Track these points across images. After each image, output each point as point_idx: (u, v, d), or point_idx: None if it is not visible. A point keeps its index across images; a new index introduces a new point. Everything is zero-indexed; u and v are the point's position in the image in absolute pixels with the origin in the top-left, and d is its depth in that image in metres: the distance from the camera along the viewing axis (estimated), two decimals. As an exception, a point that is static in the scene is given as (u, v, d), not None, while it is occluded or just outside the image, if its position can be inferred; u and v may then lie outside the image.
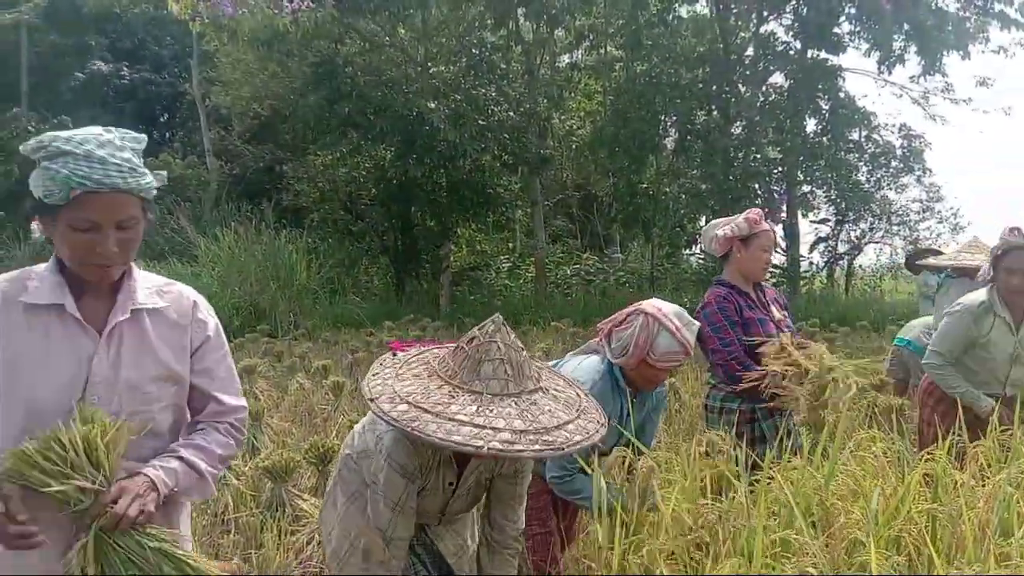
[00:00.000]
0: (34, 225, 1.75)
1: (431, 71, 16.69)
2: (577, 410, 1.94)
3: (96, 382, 1.64)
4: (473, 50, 16.32)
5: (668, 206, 18.95)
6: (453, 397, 1.82)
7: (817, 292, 17.81)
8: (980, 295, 3.56)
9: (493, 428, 1.73)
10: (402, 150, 16.07)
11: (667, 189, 18.86)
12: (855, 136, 17.25)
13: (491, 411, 1.78)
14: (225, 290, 14.16)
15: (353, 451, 2.27)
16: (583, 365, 2.70)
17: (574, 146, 21.52)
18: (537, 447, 1.73)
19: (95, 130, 1.63)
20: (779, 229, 17.84)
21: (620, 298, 18.22)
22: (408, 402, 1.79)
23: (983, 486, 2.32)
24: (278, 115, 19.82)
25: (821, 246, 19.14)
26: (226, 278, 14.47)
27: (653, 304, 2.63)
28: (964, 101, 16.89)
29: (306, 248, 15.57)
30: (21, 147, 1.63)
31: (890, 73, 16.68)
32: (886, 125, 17.69)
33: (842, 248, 19.21)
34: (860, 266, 19.93)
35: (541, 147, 17.29)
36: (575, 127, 22.40)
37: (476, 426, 1.73)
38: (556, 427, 1.80)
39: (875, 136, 17.48)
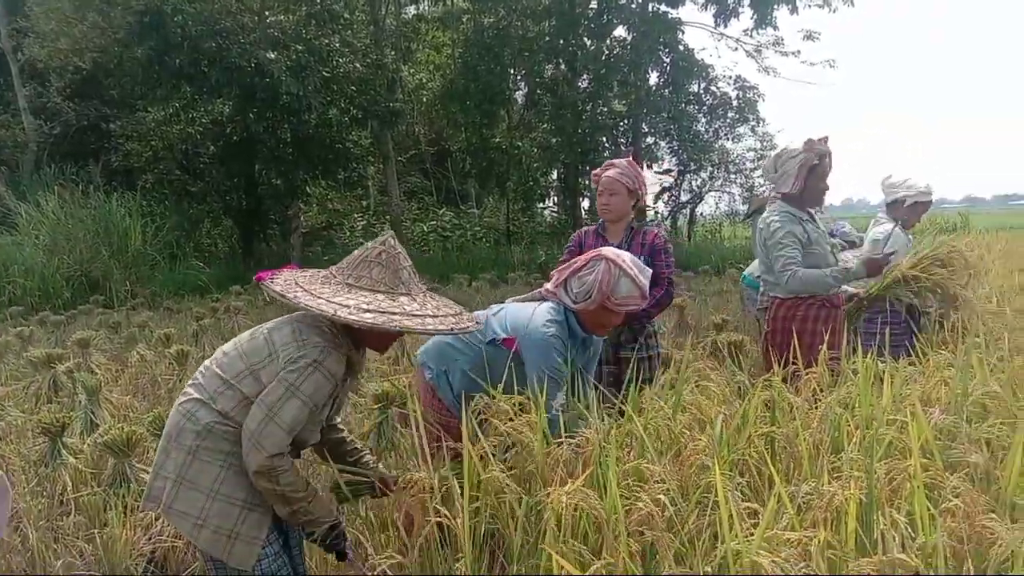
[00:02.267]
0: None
1: (269, 20, 15.84)
2: (453, 307, 2.30)
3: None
4: (313, -2, 15.59)
5: (520, 160, 19.11)
6: (394, 300, 2.12)
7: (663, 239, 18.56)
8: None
9: (443, 315, 2.13)
10: (241, 104, 15.24)
11: (519, 143, 19.00)
12: (694, 88, 17.96)
13: (428, 305, 2.15)
14: (52, 259, 13.14)
15: (224, 408, 2.10)
16: (540, 310, 2.75)
17: (424, 100, 21.18)
18: (470, 326, 2.18)
19: None
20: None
21: (477, 253, 18.34)
22: (370, 310, 2.04)
23: (816, 408, 2.47)
24: (102, 69, 18.22)
25: (665, 196, 19.92)
26: (52, 247, 13.40)
27: (612, 251, 2.73)
28: (793, 54, 17.88)
29: (140, 211, 14.59)
30: None
31: (726, 26, 17.43)
32: (723, 77, 18.51)
33: (684, 197, 20.07)
34: (701, 214, 20.94)
35: (390, 100, 16.86)
36: (425, 80, 22.03)
37: (431, 315, 2.10)
38: (461, 313, 2.24)
39: (713, 88, 18.26)
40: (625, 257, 2.70)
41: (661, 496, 1.72)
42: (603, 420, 2.19)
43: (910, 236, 4.69)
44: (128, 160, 17.86)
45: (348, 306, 2.04)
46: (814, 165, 3.68)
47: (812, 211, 3.87)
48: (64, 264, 13.09)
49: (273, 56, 14.62)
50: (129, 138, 17.79)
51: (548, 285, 2.89)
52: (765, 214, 3.86)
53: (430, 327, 2.07)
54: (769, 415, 2.35)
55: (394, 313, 2.05)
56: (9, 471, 3.94)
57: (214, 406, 2.09)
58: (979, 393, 2.35)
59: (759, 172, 19.38)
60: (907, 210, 4.60)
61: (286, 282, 2.14)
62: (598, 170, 3.86)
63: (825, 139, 3.73)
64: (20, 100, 19.58)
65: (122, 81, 16.68)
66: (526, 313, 2.76)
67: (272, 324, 2.18)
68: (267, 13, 15.98)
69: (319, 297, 2.08)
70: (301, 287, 2.12)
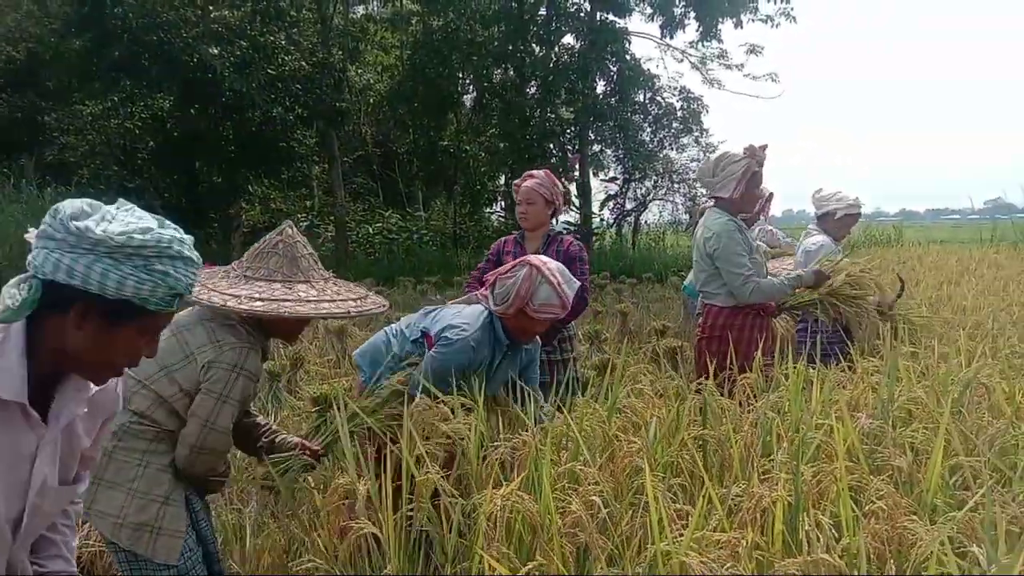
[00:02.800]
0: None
1: (213, 15, 15.53)
2: (366, 290, 2.37)
3: (37, 484, 1.41)
4: (258, -7, 15.34)
5: (468, 164, 19.11)
6: (290, 289, 2.16)
7: (607, 246, 18.75)
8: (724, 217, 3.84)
9: (341, 299, 2.18)
10: (182, 100, 14.92)
11: (467, 147, 18.99)
12: (640, 98, 18.19)
13: (326, 291, 2.19)
14: (-21, 254, 12.64)
15: (139, 408, 2.10)
16: (465, 311, 2.76)
17: (372, 100, 21.01)
18: (373, 308, 2.23)
19: (173, 227, 1.45)
20: (572, 187, 18.55)
21: (424, 256, 18.24)
22: (261, 299, 2.08)
23: (748, 413, 2.52)
24: (37, 59, 17.64)
25: (611, 203, 20.13)
26: (-20, 241, 12.89)
27: (539, 258, 2.73)
28: (737, 67, 18.26)
29: (75, 207, 14.09)
30: (117, 237, 1.33)
31: (671, 37, 17.73)
32: (668, 88, 18.80)
33: (629, 205, 20.31)
34: (645, 222, 21.21)
35: (336, 100, 16.68)
36: (373, 81, 21.86)
37: (329, 300, 2.16)
38: (366, 296, 2.28)
39: (658, 98, 18.53)
40: (552, 265, 2.70)
41: (595, 498, 1.73)
42: (536, 423, 2.19)
43: (839, 248, 4.81)
44: (63, 154, 17.30)
45: (239, 296, 2.08)
46: (755, 172, 3.73)
47: (745, 218, 3.94)
48: (-8, 260, 12.60)
49: (216, 52, 14.34)
50: (65, 131, 17.25)
51: (481, 290, 2.91)
52: (705, 220, 3.89)
53: (324, 311, 2.13)
54: (702, 419, 2.38)
55: (286, 300, 2.10)
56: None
57: (128, 407, 2.06)
58: (904, 399, 2.42)
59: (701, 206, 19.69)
60: (837, 222, 4.71)
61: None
62: (518, 180, 3.98)
63: (764, 147, 3.78)
64: (-53, 89, 18.81)
65: (58, 73, 16.16)
66: (450, 314, 2.78)
67: (183, 323, 2.16)
68: (211, 8, 15.67)
69: (212, 290, 2.10)
70: (199, 282, 2.08)
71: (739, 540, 1.63)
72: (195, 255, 1.46)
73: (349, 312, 2.14)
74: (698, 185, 20.00)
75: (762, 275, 3.75)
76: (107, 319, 1.37)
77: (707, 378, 2.68)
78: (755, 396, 2.77)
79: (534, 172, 3.96)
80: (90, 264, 1.32)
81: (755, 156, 3.72)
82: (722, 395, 2.73)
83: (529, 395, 2.46)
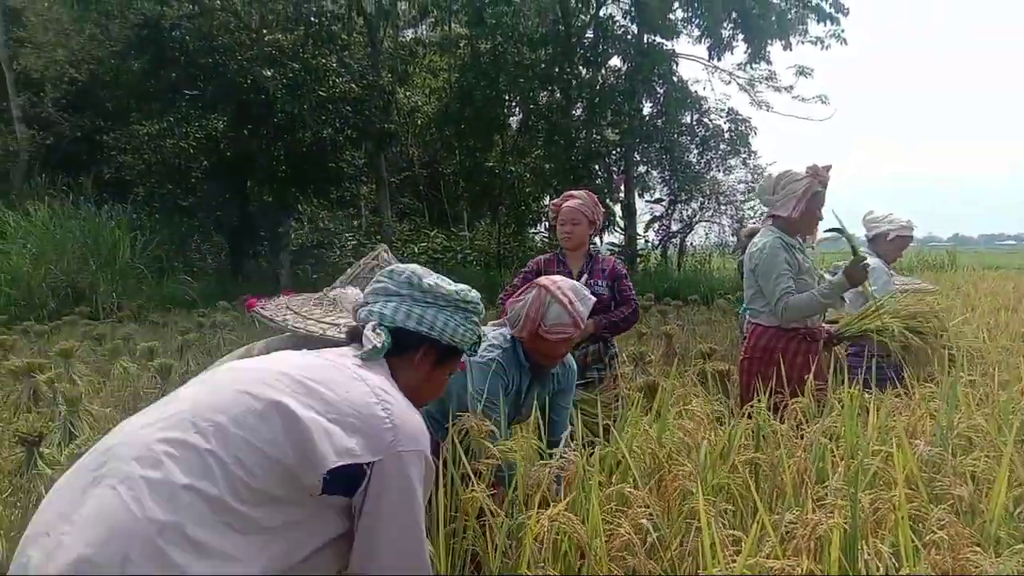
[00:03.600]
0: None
1: (266, 38, 15.91)
2: None
3: None
4: (312, 18, 15.66)
5: (513, 184, 19.18)
6: None
7: (652, 268, 18.62)
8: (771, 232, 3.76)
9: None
10: (236, 121, 15.26)
11: (512, 168, 19.07)
12: (687, 119, 18.10)
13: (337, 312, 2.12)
14: (39, 269, 13.06)
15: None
16: (493, 333, 2.74)
17: (419, 122, 21.27)
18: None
19: None
20: (617, 209, 18.50)
21: (468, 275, 18.31)
22: None
23: (801, 438, 2.46)
24: (97, 81, 18.24)
25: (656, 225, 20.00)
26: (39, 256, 13.32)
27: (550, 279, 2.71)
28: (786, 89, 18.07)
29: (130, 224, 14.53)
30: (459, 293, 1.77)
31: (719, 60, 17.62)
32: (716, 109, 18.67)
33: (675, 227, 20.15)
34: (691, 244, 21.02)
35: (385, 121, 16.92)
36: (420, 103, 22.12)
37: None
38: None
39: (705, 120, 18.41)
40: (562, 284, 2.67)
41: (644, 521, 1.70)
42: (583, 445, 2.16)
43: (891, 271, 4.70)
44: (120, 173, 17.80)
45: (339, 324, 2.02)
46: (817, 192, 3.66)
47: (802, 240, 3.86)
48: (51, 274, 13.00)
49: (270, 74, 14.67)
50: (122, 151, 17.75)
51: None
52: (756, 239, 3.84)
53: (330, 332, 2.07)
54: (753, 442, 2.34)
55: None
56: (-16, 481, 3.88)
57: None
58: (964, 426, 2.34)
59: (749, 204, 19.48)
60: (889, 244, 4.60)
61: (276, 307, 2.15)
62: (557, 200, 4.08)
63: (828, 167, 3.71)
64: (13, 109, 19.53)
65: (117, 93, 16.67)
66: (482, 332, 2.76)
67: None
68: (265, 31, 16.07)
69: (308, 318, 2.07)
70: (291, 310, 2.11)
71: (794, 568, 1.59)
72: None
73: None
74: (746, 206, 19.81)
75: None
76: (435, 361, 1.74)
77: (753, 401, 2.63)
78: (807, 421, 2.71)
79: (574, 192, 4.05)
80: (435, 314, 1.71)
81: (818, 176, 3.65)
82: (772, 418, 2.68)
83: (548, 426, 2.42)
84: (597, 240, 19.03)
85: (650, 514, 1.75)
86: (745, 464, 2.21)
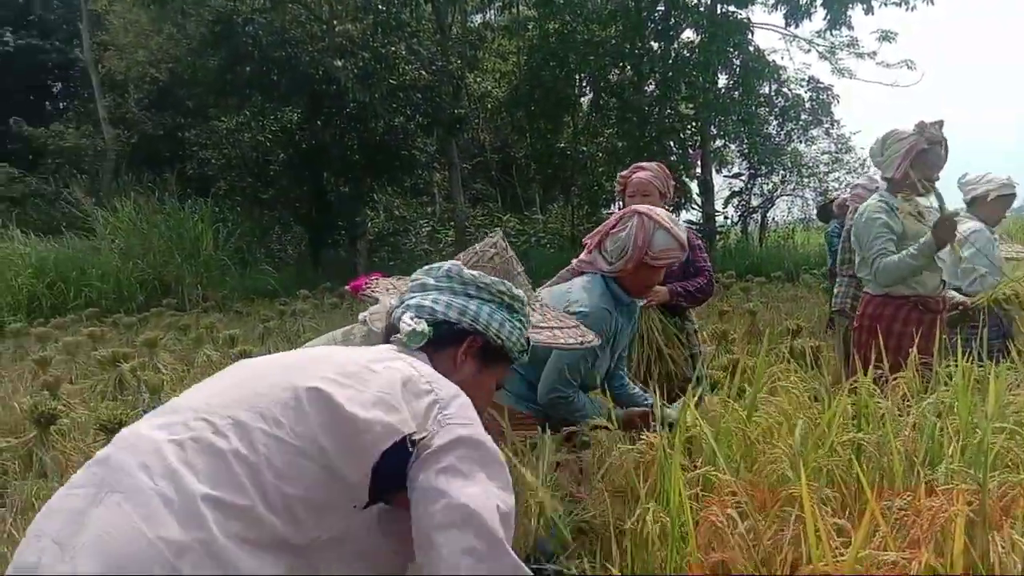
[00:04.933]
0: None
1: (337, 29, 16.03)
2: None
3: None
4: (380, 6, 15.68)
5: (585, 165, 18.88)
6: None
7: (732, 245, 18.06)
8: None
9: (568, 327, 1.97)
10: (309, 112, 15.46)
11: (584, 148, 18.77)
12: (765, 90, 17.44)
13: (549, 316, 2.00)
14: (127, 263, 13.54)
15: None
16: (576, 284, 2.61)
17: (489, 107, 21.17)
18: (590, 339, 1.98)
19: None
20: (694, 185, 17.99)
21: (541, 258, 18.16)
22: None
23: (907, 415, 2.23)
24: (177, 79, 18.79)
25: (735, 200, 19.36)
26: (127, 251, 13.83)
27: (644, 206, 2.63)
28: (870, 55, 17.16)
29: (212, 217, 14.92)
30: (501, 285, 1.59)
31: (797, 27, 16.90)
32: (795, 79, 17.94)
33: (755, 202, 19.47)
34: (773, 218, 20.29)
35: (455, 107, 16.86)
36: (491, 88, 22.01)
37: (557, 327, 1.95)
38: (576, 326, 2.04)
39: (784, 90, 17.71)
40: (658, 210, 2.58)
41: (730, 511, 1.52)
42: (663, 424, 1.99)
43: (994, 232, 4.33)
44: (202, 168, 18.31)
45: None
46: (923, 150, 3.38)
47: (922, 205, 3.55)
48: (138, 268, 13.48)
49: (340, 64, 14.77)
50: (203, 146, 18.25)
51: (581, 256, 2.73)
52: (864, 204, 3.61)
53: (560, 341, 1.94)
54: (855, 422, 2.12)
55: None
56: (68, 467, 3.96)
57: None
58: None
59: (833, 175, 18.70)
60: (989, 206, 4.24)
61: (387, 290, 2.04)
62: (625, 172, 3.91)
63: (939, 124, 3.41)
64: (100, 111, 20.33)
65: (196, 91, 17.10)
66: (561, 290, 2.62)
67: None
68: (335, 22, 16.18)
69: None
70: (399, 290, 2.01)
71: (910, 562, 1.39)
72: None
73: (582, 343, 1.96)
74: (830, 178, 19.01)
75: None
76: (482, 359, 1.56)
77: (859, 375, 2.40)
78: (911, 396, 2.47)
79: (644, 164, 3.88)
80: (479, 306, 1.54)
81: (924, 132, 3.37)
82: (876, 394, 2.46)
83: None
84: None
85: (739, 501, 1.57)
86: (847, 445, 2.00)
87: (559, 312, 2.08)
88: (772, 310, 9.19)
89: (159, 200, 14.88)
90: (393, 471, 1.23)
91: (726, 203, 19.33)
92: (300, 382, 1.23)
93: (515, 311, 1.59)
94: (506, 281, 1.59)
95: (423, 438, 1.25)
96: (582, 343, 1.96)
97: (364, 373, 1.29)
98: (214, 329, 9.08)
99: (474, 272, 1.57)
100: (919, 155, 3.36)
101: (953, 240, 3.38)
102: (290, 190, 18.22)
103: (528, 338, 1.63)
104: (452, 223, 19.55)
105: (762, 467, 1.76)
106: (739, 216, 19.59)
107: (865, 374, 2.95)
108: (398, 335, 1.49)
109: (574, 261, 2.77)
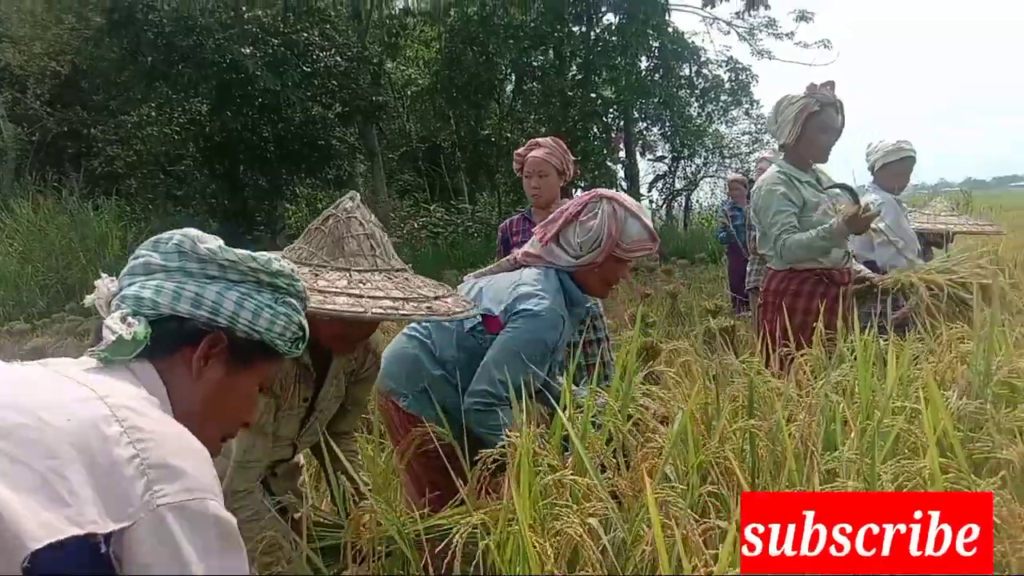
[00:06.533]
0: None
1: (247, 16, 15.41)
2: (447, 289, 1.81)
3: None
4: (289, -10, 15.15)
5: (510, 151, 18.66)
6: (316, 275, 1.63)
7: (658, 228, 18.10)
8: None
9: (371, 296, 1.59)
10: (218, 102, 14.82)
11: (508, 134, 18.56)
12: (686, 72, 17.51)
13: (364, 284, 1.63)
14: (26, 267, 12.77)
15: None
16: (526, 277, 2.22)
17: (410, 94, 20.78)
18: (423, 312, 1.61)
19: None
20: (619, 169, 17.96)
21: (469, 248, 17.92)
22: None
23: (805, 396, 2.05)
24: (79, 72, 17.82)
25: (659, 183, 19.46)
26: (26, 255, 13.04)
27: (608, 191, 2.31)
28: (787, 35, 17.39)
29: (123, 216, 14.18)
30: (256, 261, 1.18)
31: (713, 7, 16.99)
32: (715, 61, 18.06)
33: (679, 184, 19.60)
34: (697, 201, 20.47)
35: (374, 94, 16.42)
36: (414, 75, 21.58)
37: (351, 295, 1.57)
38: (436, 297, 1.69)
39: (705, 71, 17.81)
40: (625, 196, 2.30)
41: (591, 520, 1.29)
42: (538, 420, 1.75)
43: (900, 202, 4.22)
44: (110, 165, 17.43)
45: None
46: (814, 112, 3.22)
47: (822, 176, 3.41)
48: (38, 272, 12.72)
49: (248, 51, 14.18)
50: (110, 143, 17.36)
51: (526, 248, 2.37)
52: (762, 176, 3.45)
53: (338, 306, 1.55)
54: (747, 407, 1.92)
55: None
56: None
57: None
58: (1006, 371, 1.91)
59: (755, 156, 18.91)
60: (886, 174, 4.13)
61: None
62: (521, 150, 3.63)
63: (830, 84, 3.26)
64: (-2, 107, 19.16)
65: (95, 83, 16.27)
66: (507, 284, 2.24)
67: None
68: (244, 8, 15.55)
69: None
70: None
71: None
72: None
73: (379, 312, 1.56)
74: (751, 159, 19.22)
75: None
76: (233, 360, 1.17)
77: (752, 354, 2.22)
78: (816, 375, 2.30)
79: (540, 140, 3.60)
80: (221, 291, 1.15)
81: (814, 95, 3.22)
82: (777, 375, 2.28)
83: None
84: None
85: (606, 509, 1.34)
86: (740, 434, 1.80)
87: (405, 282, 1.72)
88: (694, 291, 9.13)
89: (60, 200, 14.10)
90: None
91: (650, 187, 19.42)
92: None
93: (280, 291, 1.21)
94: (267, 255, 1.22)
95: (119, 531, 0.89)
96: (465, 310, 1.69)
97: (28, 430, 0.90)
98: (114, 332, 8.54)
99: (212, 245, 1.16)
100: (811, 117, 3.21)
101: (867, 229, 3.26)
102: (205, 185, 17.51)
103: (303, 324, 1.24)
104: (375, 214, 19.13)
105: (636, 466, 1.53)
106: (664, 199, 19.69)
107: (773, 351, 2.79)
108: (97, 347, 1.08)
109: (517, 253, 2.40)
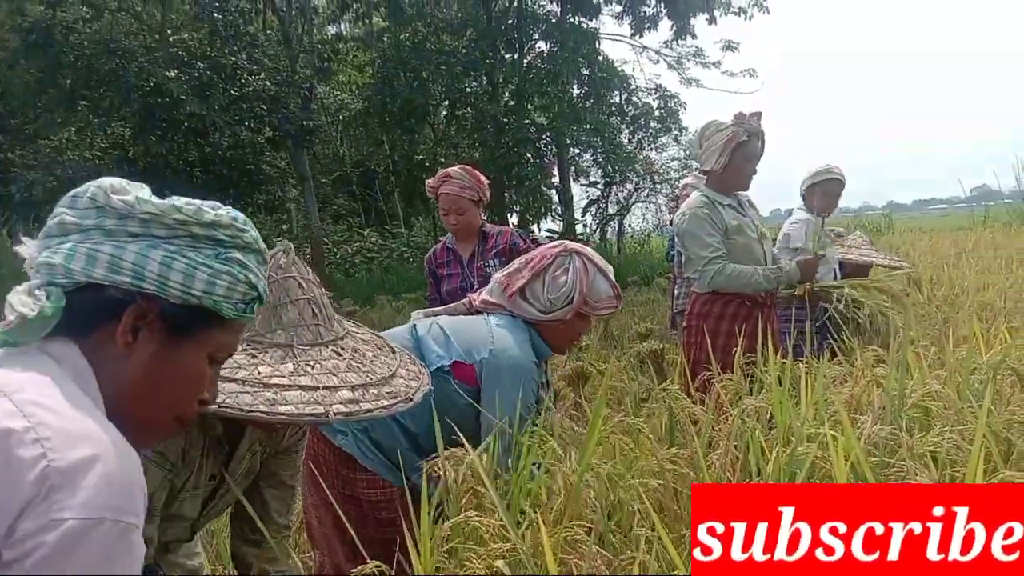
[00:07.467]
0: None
1: (171, 39, 15.08)
2: (391, 351, 1.62)
3: None
4: (215, 14, 14.85)
5: (444, 176, 18.64)
6: (254, 356, 1.38)
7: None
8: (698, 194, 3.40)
9: (327, 388, 1.35)
10: (141, 126, 14.42)
11: (442, 159, 18.53)
12: (616, 99, 17.79)
13: (312, 366, 1.39)
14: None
15: None
16: (503, 328, 2.10)
17: (342, 118, 20.63)
18: (385, 402, 1.40)
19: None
20: (553, 194, 18.09)
21: (404, 273, 17.76)
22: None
23: (725, 423, 2.02)
24: (-3, 96, 17.17)
25: (593, 208, 19.66)
26: (-63, 288, 12.38)
27: (573, 244, 2.23)
28: (714, 64, 17.87)
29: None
30: (184, 210, 1.02)
31: (641, 36, 17.36)
32: (644, 88, 18.40)
33: (612, 209, 19.80)
34: (630, 225, 20.70)
35: (304, 118, 16.23)
36: (347, 100, 21.44)
37: (303, 388, 1.33)
38: (390, 375, 1.48)
39: (634, 99, 18.12)
40: (590, 251, 2.23)
41: (499, 562, 1.22)
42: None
43: (825, 225, 4.33)
44: (30, 191, 16.74)
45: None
46: (742, 142, 3.26)
47: (742, 197, 3.45)
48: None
49: (173, 75, 13.86)
50: (29, 168, 16.69)
51: (485, 295, 2.25)
52: (686, 202, 3.47)
53: (292, 411, 1.30)
54: (668, 436, 1.88)
55: (232, 380, 1.29)
56: None
57: None
58: (919, 395, 1.92)
59: (684, 182, 19.25)
60: (813, 196, 4.26)
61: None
62: (432, 181, 3.47)
63: (758, 115, 3.32)
64: (-95, 131, 18.28)
65: (10, 106, 15.68)
66: (480, 330, 2.12)
67: None
68: (169, 32, 15.22)
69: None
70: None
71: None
72: (265, 251, 1.10)
73: (341, 411, 1.32)
74: (680, 183, 19.56)
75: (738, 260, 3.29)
76: (170, 330, 0.98)
77: (670, 381, 2.19)
78: (737, 400, 2.28)
79: (450, 171, 3.46)
80: (145, 250, 0.97)
81: (742, 124, 3.26)
82: (699, 402, 2.26)
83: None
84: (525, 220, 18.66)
85: (515, 555, 1.27)
86: (657, 466, 1.76)
87: (369, 335, 1.57)
88: (627, 315, 9.18)
89: (-28, 228, 13.47)
90: None
91: (584, 211, 19.59)
92: None
93: (222, 244, 1.03)
94: (210, 205, 1.06)
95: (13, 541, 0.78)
96: (420, 383, 1.51)
97: None
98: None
99: (129, 197, 1.00)
100: (739, 147, 3.25)
101: (812, 279, 3.39)
102: (129, 211, 16.97)
103: (255, 282, 1.05)
104: (308, 241, 18.82)
105: (544, 511, 1.47)
106: (597, 224, 19.87)
107: (695, 377, 2.78)
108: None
109: (474, 299, 2.26)
